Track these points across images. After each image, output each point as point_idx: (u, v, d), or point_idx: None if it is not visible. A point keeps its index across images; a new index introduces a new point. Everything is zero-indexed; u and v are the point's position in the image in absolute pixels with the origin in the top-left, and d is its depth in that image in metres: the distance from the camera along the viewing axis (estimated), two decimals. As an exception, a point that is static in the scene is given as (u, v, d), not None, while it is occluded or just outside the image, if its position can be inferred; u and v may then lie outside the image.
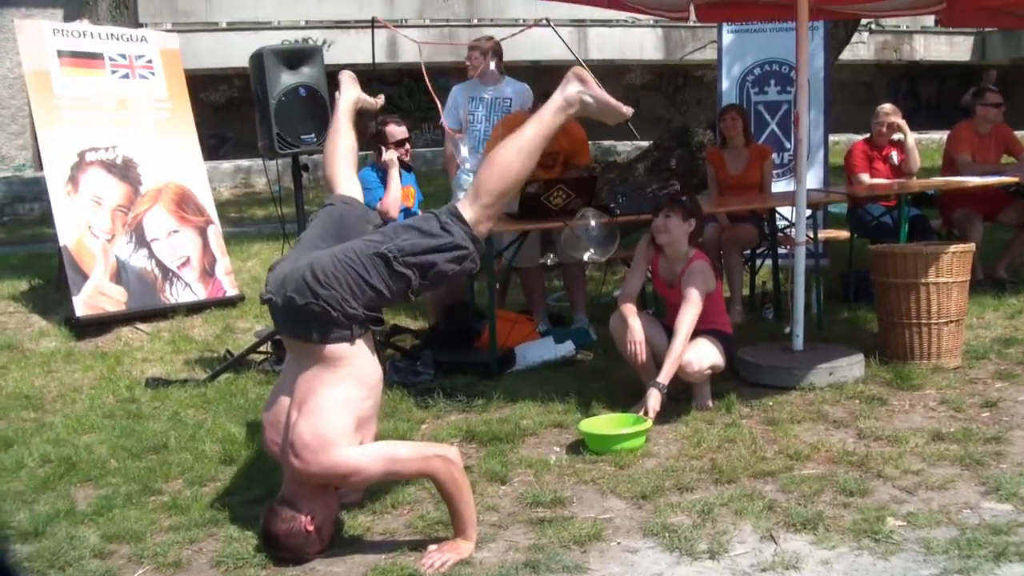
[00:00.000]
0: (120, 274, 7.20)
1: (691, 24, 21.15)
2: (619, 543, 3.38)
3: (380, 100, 4.55)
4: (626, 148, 18.21)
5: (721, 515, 3.53)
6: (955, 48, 22.00)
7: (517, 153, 3.49)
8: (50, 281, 8.21)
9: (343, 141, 4.14)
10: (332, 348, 3.35)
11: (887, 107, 7.29)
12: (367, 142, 6.62)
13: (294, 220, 6.38)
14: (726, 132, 6.89)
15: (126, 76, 7.78)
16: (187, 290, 7.51)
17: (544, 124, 3.55)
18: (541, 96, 5.27)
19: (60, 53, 7.42)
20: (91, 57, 7.60)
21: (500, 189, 3.48)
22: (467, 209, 3.44)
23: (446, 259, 3.40)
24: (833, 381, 5.02)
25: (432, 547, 3.33)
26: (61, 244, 7.07)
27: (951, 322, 5.25)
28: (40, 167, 17.43)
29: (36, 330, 7.07)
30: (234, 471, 4.32)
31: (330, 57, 18.51)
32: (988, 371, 5.20)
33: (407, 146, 6.52)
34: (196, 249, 7.71)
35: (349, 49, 19.22)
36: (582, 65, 4.02)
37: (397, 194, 6.31)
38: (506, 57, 7.30)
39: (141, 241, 7.41)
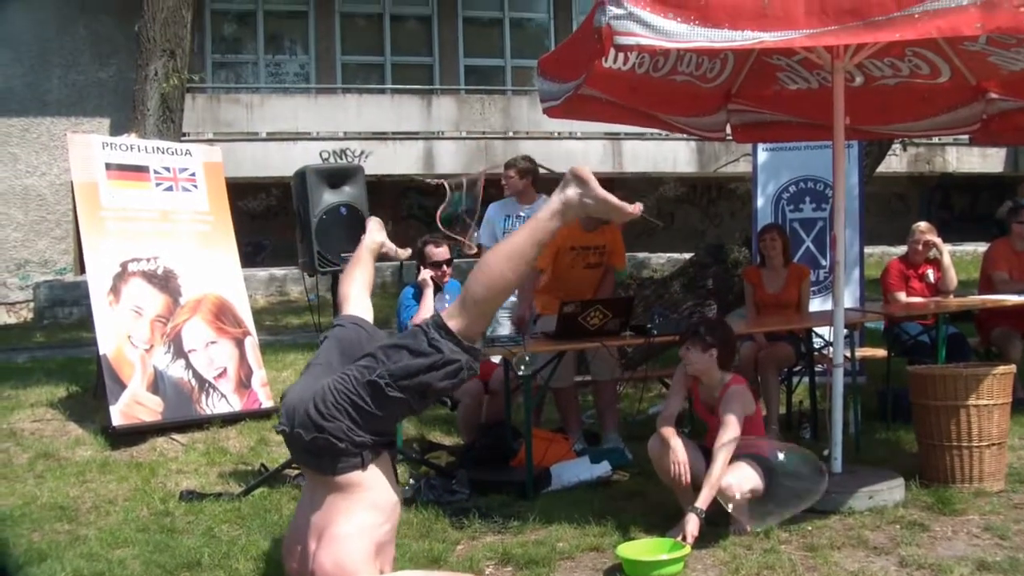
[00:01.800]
0: (157, 384, 7.26)
1: (727, 137, 21.46)
2: (659, 676, 3.31)
3: (406, 252, 4.67)
4: (660, 261, 18.33)
5: (762, 647, 3.46)
6: (988, 160, 22.09)
7: (507, 260, 3.43)
8: (88, 389, 8.29)
9: (361, 269, 4.20)
10: (345, 477, 3.35)
11: (923, 225, 7.33)
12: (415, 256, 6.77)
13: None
14: (766, 252, 6.93)
15: (170, 188, 7.97)
16: (223, 401, 7.55)
17: (538, 229, 3.48)
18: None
19: (108, 166, 7.64)
20: (137, 170, 7.81)
21: (487, 296, 3.43)
22: (455, 318, 3.40)
23: (439, 377, 3.36)
24: (873, 505, 4.95)
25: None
26: (101, 353, 7.15)
27: (993, 444, 5.18)
28: (80, 271, 17.86)
29: (72, 438, 7.11)
30: (269, 589, 4.30)
31: (368, 167, 19.04)
32: (1033, 496, 5.11)
33: (445, 268, 6.60)
34: (233, 360, 7.78)
35: (387, 159, 19.61)
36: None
37: (428, 313, 6.39)
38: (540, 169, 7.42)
39: (179, 351, 7.49)
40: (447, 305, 6.66)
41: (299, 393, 3.49)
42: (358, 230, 5.68)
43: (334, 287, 6.05)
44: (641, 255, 18.81)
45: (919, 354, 6.76)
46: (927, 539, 4.54)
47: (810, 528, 4.72)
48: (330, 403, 3.32)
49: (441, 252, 6.61)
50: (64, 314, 16.29)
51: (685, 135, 20.51)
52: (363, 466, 3.35)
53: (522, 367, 5.17)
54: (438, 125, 20.88)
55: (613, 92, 5.89)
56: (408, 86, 21.05)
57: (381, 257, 4.42)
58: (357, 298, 4.06)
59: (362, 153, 19.82)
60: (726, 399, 4.73)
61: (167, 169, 7.99)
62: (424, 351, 3.35)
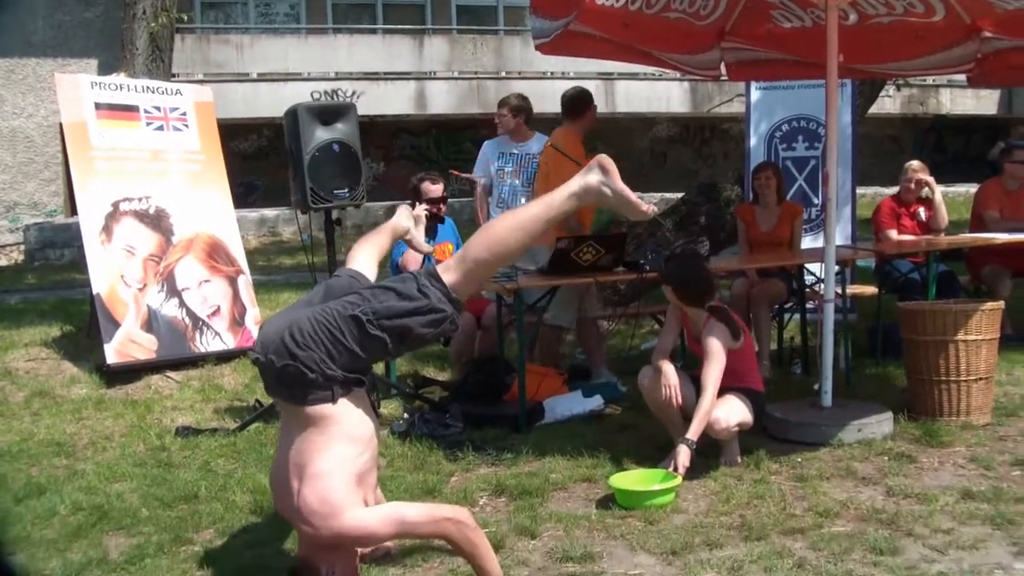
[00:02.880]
0: (151, 322, 7.28)
1: (718, 79, 21.33)
2: (649, 600, 3.38)
3: (428, 248, 4.66)
4: (653, 200, 18.30)
5: (751, 572, 3.53)
6: (981, 102, 22.04)
7: (515, 230, 3.46)
8: (81, 328, 8.31)
9: (376, 238, 4.12)
10: (315, 409, 3.33)
11: (915, 164, 7.33)
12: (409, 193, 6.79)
13: (324, 270, 6.46)
14: (760, 190, 6.94)
15: (160, 128, 7.92)
16: (216, 339, 7.58)
17: (553, 207, 3.50)
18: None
19: (97, 105, 7.57)
20: (127, 110, 7.75)
21: (487, 259, 3.45)
22: (450, 272, 3.43)
23: (421, 323, 3.37)
24: (862, 438, 5.02)
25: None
26: (94, 292, 7.16)
27: (980, 379, 5.24)
28: (71, 213, 17.78)
29: (67, 377, 7.14)
30: (264, 522, 4.35)
31: (360, 108, 18.77)
32: (1018, 428, 5.18)
33: (441, 205, 6.63)
34: (226, 299, 7.79)
35: (378, 100, 19.48)
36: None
37: (418, 250, 6.42)
38: (536, 109, 7.39)
39: (172, 290, 7.50)
40: (444, 241, 6.74)
41: (277, 323, 3.48)
42: (351, 167, 5.70)
43: (327, 225, 6.06)
44: (634, 194, 18.78)
45: (909, 291, 6.80)
46: (914, 470, 4.61)
47: (800, 460, 4.79)
48: (307, 333, 3.31)
49: (437, 189, 6.63)
50: (55, 256, 16.26)
51: (678, 75, 20.44)
52: (333, 399, 3.33)
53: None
54: (430, 65, 20.73)
55: (606, 29, 5.84)
56: (400, 26, 20.86)
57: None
58: (363, 260, 3.97)
59: (354, 93, 19.66)
60: (708, 330, 4.77)
61: (157, 109, 7.93)
62: (412, 295, 3.37)
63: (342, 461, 3.32)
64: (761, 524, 3.96)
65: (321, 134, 5.58)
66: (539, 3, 5.51)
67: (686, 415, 4.79)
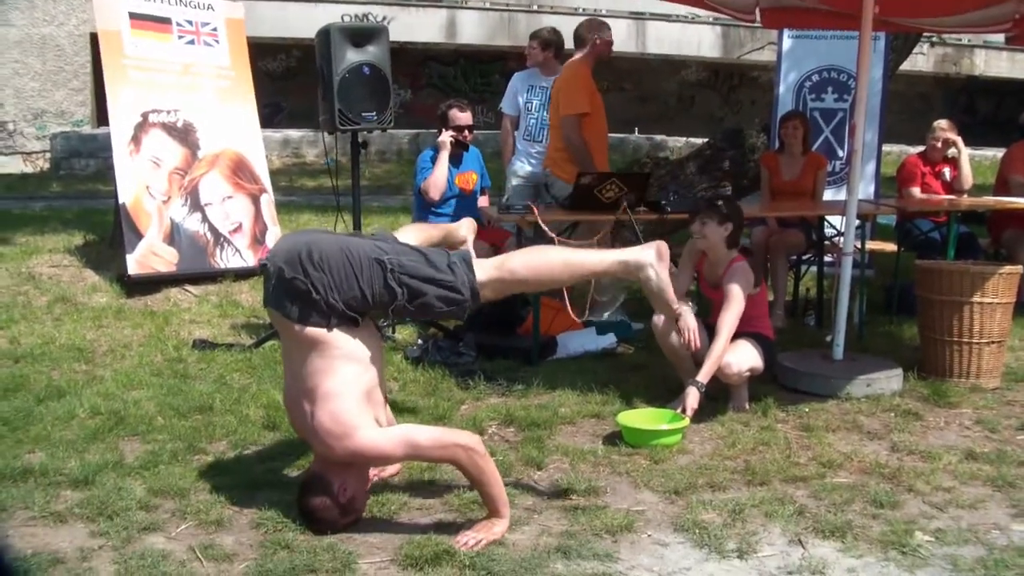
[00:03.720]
0: (173, 235, 7.35)
1: (751, 24, 21.08)
2: (650, 535, 3.45)
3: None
4: (677, 144, 18.22)
5: (751, 516, 3.59)
6: (1016, 65, 21.73)
7: (565, 265, 3.57)
8: (104, 238, 8.39)
9: (429, 229, 4.20)
10: (310, 331, 3.36)
11: (943, 123, 7.28)
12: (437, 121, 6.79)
13: (347, 193, 6.49)
14: (786, 139, 6.91)
15: (191, 42, 7.92)
16: (237, 256, 7.65)
17: (603, 263, 3.62)
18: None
19: (132, 15, 7.58)
20: (160, 21, 7.76)
21: (525, 277, 3.53)
22: (484, 269, 3.48)
23: (437, 295, 3.41)
24: (870, 393, 5.06)
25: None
26: (120, 202, 7.22)
27: (993, 343, 5.26)
28: (97, 124, 17.79)
29: (89, 285, 7.22)
30: (276, 437, 4.43)
31: (390, 34, 18.37)
32: (1026, 395, 5.21)
33: (467, 133, 6.64)
34: (248, 216, 7.85)
35: (409, 27, 19.35)
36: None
37: (441, 176, 6.47)
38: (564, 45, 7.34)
39: (195, 205, 7.56)
40: (468, 170, 6.76)
41: (295, 238, 3.51)
42: (380, 90, 5.70)
43: (353, 148, 6.05)
44: (658, 137, 18.69)
45: (929, 250, 6.79)
46: (919, 428, 4.65)
47: (807, 410, 4.84)
48: (326, 257, 3.34)
49: (465, 116, 6.64)
50: (80, 165, 16.35)
51: (711, 18, 20.16)
52: (328, 327, 3.37)
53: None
54: (460, -7, 20.57)
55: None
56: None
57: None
58: (408, 234, 3.95)
59: (384, 18, 19.51)
60: (730, 274, 4.79)
61: (189, 23, 7.93)
62: (440, 266, 3.42)
63: (348, 381, 3.38)
64: (764, 470, 4.02)
65: (352, 56, 5.57)
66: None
67: (697, 359, 4.83)
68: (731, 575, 3.17)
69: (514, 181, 7.29)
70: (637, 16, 20.44)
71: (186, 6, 7.94)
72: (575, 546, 3.30)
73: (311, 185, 14.92)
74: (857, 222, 5.82)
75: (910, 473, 4.02)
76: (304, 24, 18.43)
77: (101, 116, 17.59)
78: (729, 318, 4.66)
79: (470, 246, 4.01)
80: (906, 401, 5.01)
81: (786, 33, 8.18)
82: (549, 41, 7.13)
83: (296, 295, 3.35)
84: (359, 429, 3.33)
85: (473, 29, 20.29)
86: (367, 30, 5.69)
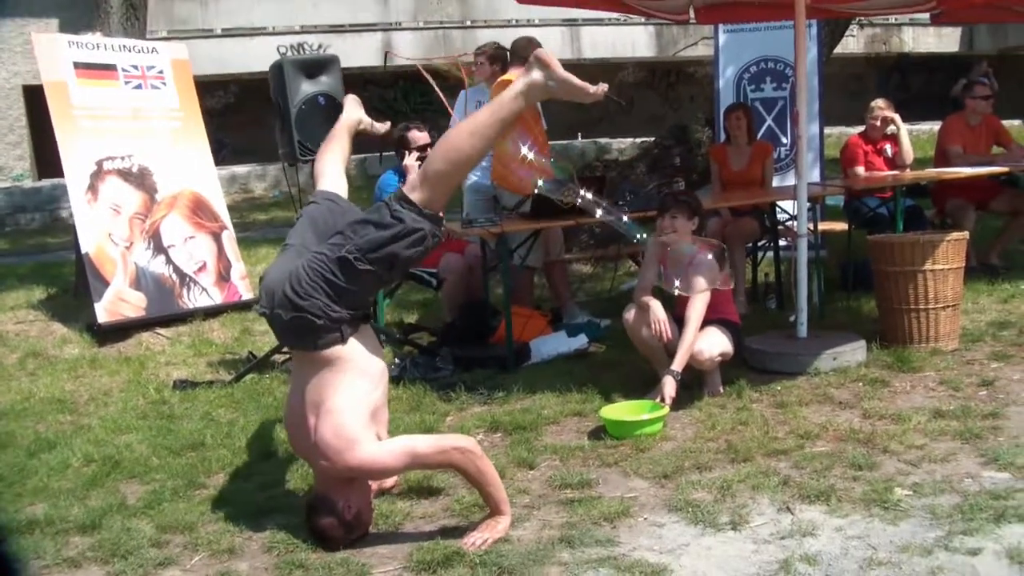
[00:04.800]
0: (139, 280, 7.40)
1: (686, 23, 21.37)
2: (646, 518, 3.60)
3: (384, 126, 4.77)
4: (622, 145, 18.46)
5: (739, 491, 3.76)
6: (943, 40, 22.27)
7: (470, 135, 3.53)
8: (67, 289, 8.42)
9: (337, 146, 4.31)
10: (328, 352, 3.50)
11: (880, 102, 7.54)
12: (391, 146, 6.90)
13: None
14: (732, 130, 7.13)
15: (139, 87, 7.99)
16: (204, 295, 7.72)
17: (503, 108, 3.54)
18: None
19: (76, 64, 7.62)
20: (106, 68, 7.81)
21: (447, 169, 3.52)
22: (416, 191, 3.50)
23: (404, 246, 3.47)
24: (837, 366, 5.26)
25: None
26: (83, 251, 7.25)
27: (948, 307, 5.48)
28: (39, 177, 17.64)
29: (58, 337, 7.25)
30: (272, 464, 4.53)
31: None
32: (984, 352, 5.43)
33: (428, 151, 6.78)
34: (212, 254, 7.93)
35: (345, 53, 19.18)
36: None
37: (376, 132, 6.57)
38: None
39: (159, 248, 7.62)
40: None
41: (276, 275, 3.60)
42: (336, 119, 5.80)
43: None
44: (603, 140, 18.92)
45: (878, 226, 7.02)
46: (887, 393, 4.86)
47: (779, 388, 5.03)
48: (305, 282, 3.45)
49: (424, 136, 6.78)
50: (26, 220, 16.20)
51: (643, 20, 20.46)
52: (343, 340, 3.51)
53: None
54: (395, 16, 20.69)
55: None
56: (364, -24, 20.78)
57: (359, 135, 4.53)
58: (332, 174, 4.15)
59: (320, 47, 19.43)
60: (696, 266, 4.97)
61: (135, 67, 8.00)
62: (387, 223, 3.47)
63: (356, 397, 3.51)
64: (746, 447, 4.19)
65: (307, 87, 5.70)
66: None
67: (669, 350, 5.00)
68: (727, 546, 3.33)
69: (470, 195, 7.45)
70: (570, 23, 20.70)
71: (130, 51, 8.01)
72: (577, 535, 3.45)
73: (263, 219, 14.96)
74: (808, 204, 6.03)
75: (883, 436, 4.21)
76: (240, 59, 18.49)
77: (42, 169, 17.51)
78: (696, 307, 4.84)
79: (367, 118, 4.40)
80: (872, 370, 5.22)
81: (721, 28, 8.41)
82: (496, 56, 7.28)
83: (303, 329, 3.48)
84: (359, 443, 3.44)
85: (409, 49, 20.41)
86: (319, 61, 5.82)
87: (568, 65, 3.66)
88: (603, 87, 3.58)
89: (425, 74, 5.45)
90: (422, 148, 6.76)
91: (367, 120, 4.45)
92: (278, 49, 7.29)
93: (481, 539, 3.45)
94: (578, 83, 3.55)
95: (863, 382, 5.04)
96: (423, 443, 3.57)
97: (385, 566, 3.38)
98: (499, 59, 7.31)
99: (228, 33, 19.61)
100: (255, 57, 18.43)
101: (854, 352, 5.36)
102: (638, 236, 4.44)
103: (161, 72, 8.17)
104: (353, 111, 4.46)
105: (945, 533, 3.27)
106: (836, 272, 7.44)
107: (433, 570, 3.29)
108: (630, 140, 18.53)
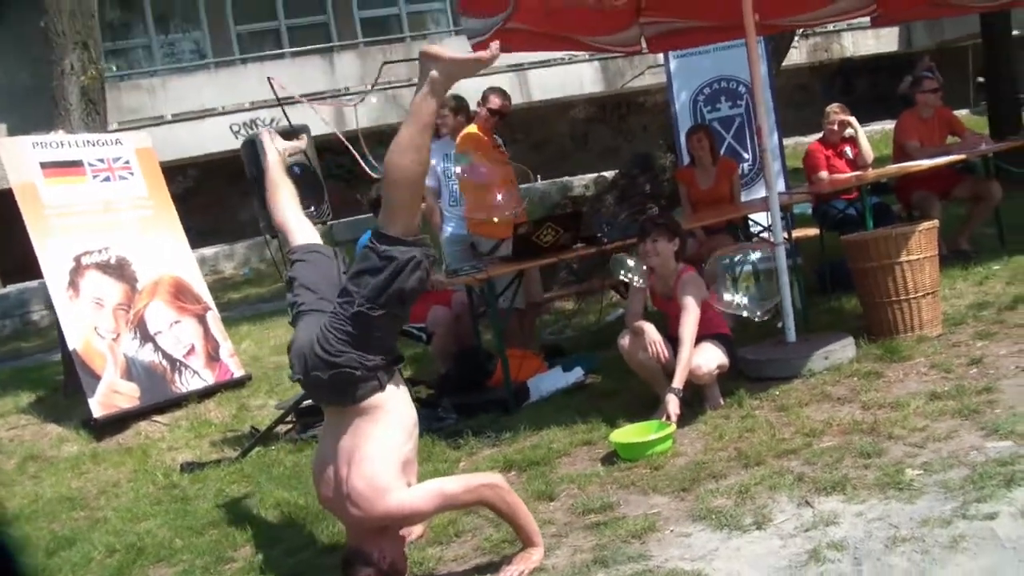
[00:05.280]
0: (130, 370, 7.44)
1: (631, 54, 21.69)
2: (672, 531, 3.69)
3: (302, 141, 4.85)
4: (582, 182, 18.68)
5: (757, 493, 3.86)
6: (882, 40, 22.73)
7: (404, 152, 3.55)
8: (56, 389, 8.43)
9: (281, 193, 4.42)
10: (367, 402, 3.59)
11: (835, 106, 7.76)
12: (369, 207, 7.01)
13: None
14: (695, 152, 7.30)
15: (107, 179, 8.08)
16: (196, 377, 7.76)
17: (420, 113, 3.57)
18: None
19: (43, 164, 7.71)
20: (72, 165, 7.90)
21: (403, 194, 3.58)
22: (388, 225, 3.58)
23: (405, 278, 3.54)
24: (829, 364, 5.38)
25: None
26: (71, 348, 7.30)
27: (928, 294, 5.63)
28: (3, 283, 17.52)
29: (55, 437, 7.26)
30: (295, 530, 4.58)
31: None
32: (968, 334, 5.57)
33: None
34: (198, 336, 7.98)
35: (297, 123, 19.56)
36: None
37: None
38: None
39: (145, 336, 7.67)
40: None
41: (304, 339, 3.69)
42: (314, 185, 5.92)
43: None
44: (562, 179, 19.13)
45: (848, 226, 7.20)
46: (882, 384, 4.98)
47: (777, 393, 5.14)
48: (332, 340, 3.54)
49: None
50: (-3, 327, 16.12)
51: (588, 55, 20.69)
52: (382, 387, 3.60)
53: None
54: (343, 82, 20.87)
55: (533, 22, 6.15)
56: (307, 47, 20.99)
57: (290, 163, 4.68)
58: (297, 223, 4.27)
59: (272, 120, 19.71)
60: (682, 285, 5.10)
61: (101, 160, 8.09)
62: (380, 266, 3.55)
63: (389, 447, 3.58)
64: (756, 452, 4.30)
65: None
66: (468, 3, 5.75)
67: (667, 371, 5.12)
68: (755, 545, 3.43)
69: (448, 247, 7.57)
70: (516, 68, 20.95)
71: (94, 145, 8.11)
72: (609, 555, 3.54)
73: (237, 297, 15.02)
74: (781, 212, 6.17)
75: (886, 424, 4.33)
76: (195, 142, 18.58)
77: (6, 276, 17.43)
78: (689, 325, 4.96)
79: (286, 143, 4.70)
80: (863, 364, 5.34)
81: (671, 55, 8.60)
82: (459, 107, 7.43)
83: (344, 384, 3.55)
84: (390, 492, 3.51)
85: (361, 113, 20.55)
86: (291, 131, 5.89)
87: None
88: (494, 46, 3.62)
89: (341, 137, 5.54)
90: None
91: (287, 145, 4.56)
92: (231, 128, 7.38)
93: (518, 571, 3.53)
94: (470, 57, 3.66)
95: (857, 376, 5.16)
96: (452, 484, 3.64)
97: (427, 610, 3.45)
98: (462, 110, 7.46)
99: (179, 118, 19.69)
100: (210, 138, 18.59)
101: (844, 349, 5.49)
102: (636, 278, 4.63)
103: (127, 162, 8.27)
104: (271, 149, 4.59)
105: (960, 504, 3.38)
106: (812, 277, 7.59)
107: (476, 607, 3.36)
108: (591, 175, 18.76)
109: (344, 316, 3.56)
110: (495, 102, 7.09)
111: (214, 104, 19.84)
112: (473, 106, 7.41)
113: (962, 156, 7.23)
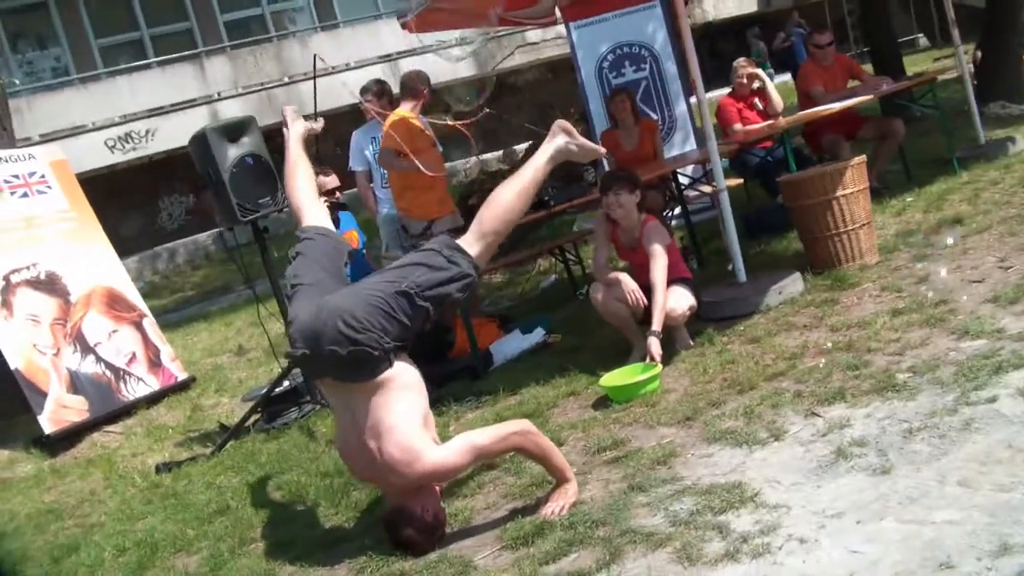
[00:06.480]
0: (75, 384, 7.37)
1: (495, 34, 21.83)
2: (693, 454, 3.94)
3: (320, 123, 4.95)
4: (466, 165, 18.89)
5: (762, 412, 4.13)
6: (742, 3, 23.54)
7: (518, 196, 4.00)
8: (-9, 412, 8.24)
9: (301, 170, 4.51)
10: (380, 377, 3.72)
11: (742, 60, 8.14)
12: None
13: (243, 285, 6.69)
14: (618, 114, 7.57)
15: (25, 195, 7.95)
16: (141, 384, 7.73)
17: (539, 171, 4.07)
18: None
19: (-42, 186, 7.54)
20: (-12, 183, 7.74)
21: (501, 228, 3.98)
22: (473, 245, 3.90)
23: (456, 288, 3.84)
24: (784, 298, 5.70)
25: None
26: (12, 368, 7.17)
27: (864, 225, 6.01)
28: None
29: (4, 460, 7.12)
30: (309, 505, 4.67)
31: (157, 145, 18.51)
32: (904, 258, 5.94)
33: (338, 195, 7.00)
34: (138, 343, 7.93)
35: (174, 133, 19.18)
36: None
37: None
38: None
39: (86, 348, 7.59)
40: (349, 230, 7.09)
41: (312, 314, 3.76)
42: (266, 175, 5.98)
43: (256, 233, 6.17)
44: (453, 162, 19.29)
45: (766, 174, 7.58)
46: (841, 309, 5.31)
47: (743, 328, 5.44)
48: (361, 317, 3.66)
49: (330, 180, 7.00)
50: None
51: (454, 40, 20.88)
52: (391, 365, 3.74)
53: None
54: (215, 87, 20.55)
55: (454, 0, 6.34)
56: (175, 55, 20.59)
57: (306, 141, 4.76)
58: (311, 206, 4.34)
59: (147, 132, 19.37)
60: (648, 234, 5.35)
61: (16, 176, 7.97)
62: (443, 266, 3.81)
63: (407, 411, 3.74)
64: (746, 379, 4.57)
65: (233, 151, 5.82)
66: (397, -16, 5.91)
67: (637, 317, 5.37)
68: (779, 454, 3.70)
69: (385, 226, 7.69)
70: (386, 59, 20.98)
71: (7, 161, 7.97)
72: (641, 482, 3.76)
73: (175, 299, 14.90)
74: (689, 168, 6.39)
75: (860, 340, 4.66)
76: (70, 160, 18.06)
77: None
78: (659, 270, 5.21)
79: (310, 124, 4.68)
80: (816, 295, 5.67)
81: (572, 26, 8.82)
82: (382, 91, 7.54)
83: (360, 361, 3.66)
84: (424, 452, 3.67)
85: (237, 114, 20.32)
86: (238, 124, 5.95)
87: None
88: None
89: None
90: (330, 192, 6.97)
91: (308, 125, 4.66)
92: (105, 143, 7.27)
93: (558, 507, 3.72)
94: (591, 145, 4.22)
95: (813, 306, 5.48)
96: (483, 436, 3.80)
97: (483, 552, 3.61)
98: (386, 93, 7.58)
99: (48, 138, 19.08)
100: (83, 156, 18.02)
101: (794, 283, 5.82)
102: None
103: (43, 176, 8.16)
104: (296, 124, 4.64)
105: (960, 394, 3.72)
106: (739, 224, 7.93)
107: (531, 542, 3.53)
108: (475, 158, 18.94)
109: (386, 293, 3.72)
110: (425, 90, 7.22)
111: (85, 121, 19.32)
112: None
113: (869, 96, 7.65)
